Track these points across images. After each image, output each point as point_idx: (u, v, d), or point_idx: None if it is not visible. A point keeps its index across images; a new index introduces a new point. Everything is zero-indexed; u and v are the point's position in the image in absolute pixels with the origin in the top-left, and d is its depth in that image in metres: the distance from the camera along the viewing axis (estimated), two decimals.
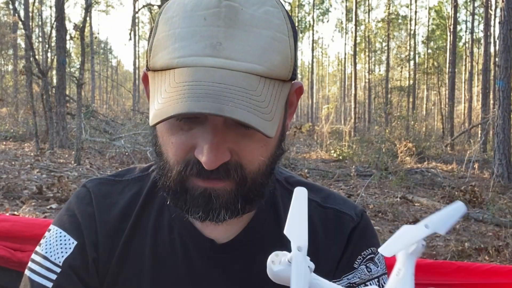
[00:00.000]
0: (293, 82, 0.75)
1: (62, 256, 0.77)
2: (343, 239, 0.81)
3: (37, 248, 0.80)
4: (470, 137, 18.46)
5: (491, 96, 18.59)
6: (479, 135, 15.18)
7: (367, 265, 0.79)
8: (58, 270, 0.76)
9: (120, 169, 0.93)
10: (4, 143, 10.93)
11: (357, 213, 0.84)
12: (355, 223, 0.83)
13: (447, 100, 21.41)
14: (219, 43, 0.61)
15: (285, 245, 0.78)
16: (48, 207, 5.25)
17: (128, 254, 0.79)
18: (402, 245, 0.47)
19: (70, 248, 0.78)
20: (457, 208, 0.48)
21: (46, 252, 0.78)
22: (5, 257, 1.16)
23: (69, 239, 0.78)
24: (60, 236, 0.79)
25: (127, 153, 8.98)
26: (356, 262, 0.79)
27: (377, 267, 0.80)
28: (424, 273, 1.12)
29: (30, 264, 0.79)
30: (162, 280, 0.78)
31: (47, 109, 10.25)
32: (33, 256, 0.79)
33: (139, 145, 9.74)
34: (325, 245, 0.80)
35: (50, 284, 0.75)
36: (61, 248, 0.78)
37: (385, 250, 0.48)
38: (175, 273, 0.78)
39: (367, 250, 0.81)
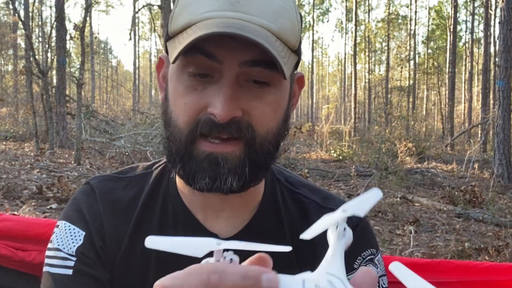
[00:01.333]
0: (295, 72, 0.78)
1: (74, 246, 0.78)
2: None
3: (49, 245, 0.81)
4: (470, 137, 18.45)
5: (491, 96, 18.59)
6: (479, 135, 15.18)
7: (367, 265, 0.79)
8: (75, 258, 0.78)
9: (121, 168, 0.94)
10: (4, 143, 10.93)
11: None
12: (354, 224, 0.83)
13: (447, 100, 21.41)
14: (237, 1, 0.66)
15: (286, 242, 0.77)
16: (48, 207, 5.25)
17: (134, 249, 0.80)
18: (322, 226, 0.49)
19: (80, 239, 0.79)
20: (375, 194, 0.50)
21: (58, 245, 0.79)
22: (7, 255, 1.17)
23: (78, 231, 0.79)
24: (70, 229, 0.80)
25: (127, 153, 8.98)
26: (356, 262, 0.79)
27: (377, 268, 0.80)
28: (423, 272, 1.12)
29: (46, 261, 0.80)
30: (166, 274, 0.78)
31: (47, 109, 10.25)
32: (47, 253, 0.81)
33: (139, 145, 9.73)
34: (323, 243, 0.81)
35: (70, 271, 0.76)
36: (72, 239, 0.79)
37: (306, 234, 0.49)
38: (179, 267, 0.79)
39: (367, 251, 0.81)
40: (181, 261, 0.78)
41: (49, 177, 6.83)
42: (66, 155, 9.29)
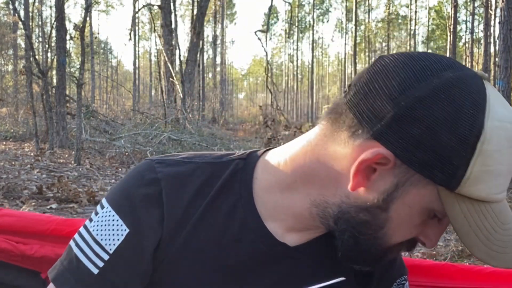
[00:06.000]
0: None
1: (114, 244, 0.70)
2: None
3: (87, 223, 0.73)
4: None
5: None
6: None
7: None
8: (107, 257, 0.70)
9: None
10: (4, 143, 10.93)
11: None
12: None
13: None
14: None
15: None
16: (48, 207, 5.25)
17: (189, 247, 0.73)
18: None
19: (122, 235, 0.71)
20: None
21: (96, 234, 0.71)
22: (7, 249, 1.14)
23: (121, 225, 0.71)
24: (113, 220, 0.72)
25: (127, 153, 8.98)
26: (393, 286, 0.85)
27: None
28: (423, 274, 1.11)
29: (77, 238, 0.73)
30: (221, 278, 0.74)
31: (47, 109, 10.25)
32: (82, 230, 0.73)
33: (139, 145, 9.74)
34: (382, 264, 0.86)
35: (96, 271, 0.70)
36: (113, 233, 0.71)
37: None
38: (235, 265, 0.74)
39: (401, 277, 0.86)
40: (240, 266, 0.74)
41: (49, 177, 6.84)
42: (66, 155, 9.30)
